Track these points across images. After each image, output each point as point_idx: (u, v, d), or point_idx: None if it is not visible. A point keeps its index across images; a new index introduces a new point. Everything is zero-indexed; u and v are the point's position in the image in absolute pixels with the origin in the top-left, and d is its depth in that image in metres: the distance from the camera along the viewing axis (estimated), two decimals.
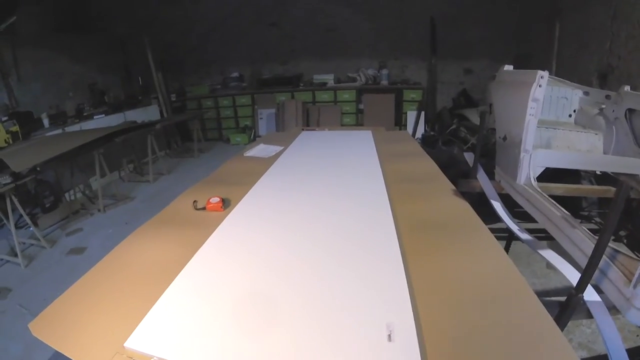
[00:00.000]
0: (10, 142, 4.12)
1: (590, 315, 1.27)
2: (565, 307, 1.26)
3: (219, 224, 1.61)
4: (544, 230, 1.85)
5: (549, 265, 1.64)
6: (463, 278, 1.15)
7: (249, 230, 1.59)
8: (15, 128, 4.22)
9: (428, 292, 1.08)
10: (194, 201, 1.83)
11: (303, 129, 3.70)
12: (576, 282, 1.27)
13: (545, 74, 1.86)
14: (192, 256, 1.36)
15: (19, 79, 4.83)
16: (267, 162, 2.50)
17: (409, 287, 1.10)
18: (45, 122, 4.90)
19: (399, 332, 0.92)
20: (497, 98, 2.44)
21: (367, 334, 0.93)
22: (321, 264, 1.29)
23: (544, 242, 1.77)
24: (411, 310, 1.00)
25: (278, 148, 2.86)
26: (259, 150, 2.86)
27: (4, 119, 4.26)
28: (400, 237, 1.40)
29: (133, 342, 0.96)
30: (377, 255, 1.31)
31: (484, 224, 1.48)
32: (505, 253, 1.26)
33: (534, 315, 0.95)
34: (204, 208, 1.79)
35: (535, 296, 1.00)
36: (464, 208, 1.66)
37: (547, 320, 0.92)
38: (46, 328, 1.07)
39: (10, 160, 3.16)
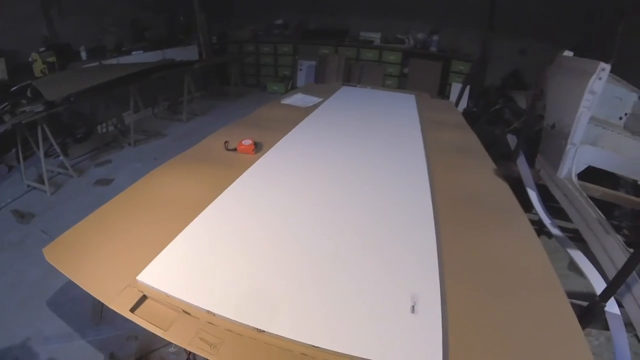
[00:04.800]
0: (47, 72, 4.10)
1: (605, 327, 1.20)
2: (586, 313, 1.21)
3: (249, 167, 1.52)
4: (573, 231, 1.75)
5: (571, 267, 1.53)
6: (496, 262, 1.05)
7: (279, 177, 1.48)
8: (53, 59, 4.18)
9: (458, 270, 1.00)
10: (226, 141, 1.75)
11: (344, 84, 3.50)
12: (600, 290, 1.22)
13: (607, 67, 1.72)
14: (218, 196, 1.26)
15: (60, 12, 4.72)
16: (304, 112, 2.36)
17: (439, 261, 1.01)
18: (83, 54, 4.85)
19: (423, 305, 0.85)
20: (552, 83, 2.29)
21: (390, 302, 0.87)
22: (351, 224, 1.18)
23: (573, 243, 1.65)
24: (439, 285, 0.92)
25: (316, 99, 2.70)
26: (297, 99, 2.71)
27: (42, 49, 4.23)
28: (435, 208, 1.28)
29: (146, 276, 0.89)
30: (409, 223, 1.20)
31: (524, 212, 1.34)
32: (542, 245, 1.13)
33: (561, 315, 0.89)
34: (235, 149, 1.70)
35: (566, 296, 0.93)
36: (505, 190, 1.51)
37: (573, 322, 0.87)
38: (61, 254, 1.03)
39: (44, 89, 3.12)
